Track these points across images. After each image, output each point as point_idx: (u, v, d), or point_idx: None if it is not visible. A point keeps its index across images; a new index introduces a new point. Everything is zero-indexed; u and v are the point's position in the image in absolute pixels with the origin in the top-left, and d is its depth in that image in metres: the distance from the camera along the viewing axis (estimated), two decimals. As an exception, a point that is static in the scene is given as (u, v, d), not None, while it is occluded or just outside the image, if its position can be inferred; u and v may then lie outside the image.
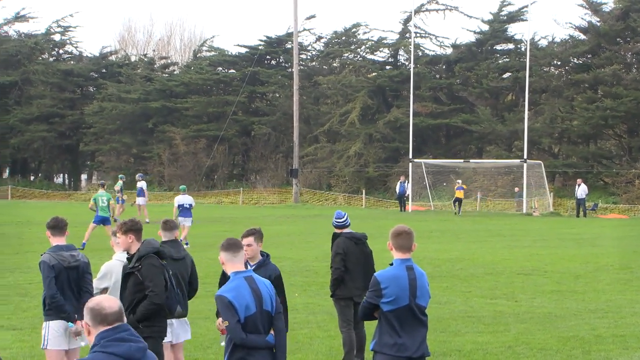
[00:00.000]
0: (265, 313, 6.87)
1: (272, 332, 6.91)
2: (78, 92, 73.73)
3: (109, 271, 9.36)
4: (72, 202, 57.16)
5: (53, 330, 8.92)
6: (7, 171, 75.12)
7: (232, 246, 6.98)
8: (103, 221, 25.58)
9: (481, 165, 53.87)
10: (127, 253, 8.68)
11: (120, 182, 38.21)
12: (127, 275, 8.48)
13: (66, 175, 76.63)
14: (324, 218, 37.88)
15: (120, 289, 8.63)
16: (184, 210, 27.02)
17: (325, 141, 61.59)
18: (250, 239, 8.50)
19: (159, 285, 8.32)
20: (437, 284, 17.64)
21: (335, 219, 11.32)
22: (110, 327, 4.64)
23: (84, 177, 78.42)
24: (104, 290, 9.20)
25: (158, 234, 9.72)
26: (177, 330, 9.47)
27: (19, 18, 75.25)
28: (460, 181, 46.34)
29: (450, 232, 32.12)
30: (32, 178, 74.11)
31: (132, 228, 8.62)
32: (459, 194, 45.12)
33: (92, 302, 4.73)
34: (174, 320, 9.39)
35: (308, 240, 27.88)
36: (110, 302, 4.72)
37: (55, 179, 76.26)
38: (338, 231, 11.23)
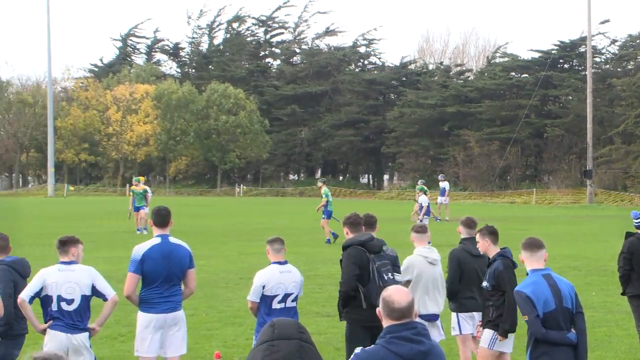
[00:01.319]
0: (566, 310, 6.67)
1: (573, 330, 6.66)
2: (380, 99, 75.96)
3: (410, 265, 9.34)
4: (375, 201, 58.83)
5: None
6: (319, 171, 79.07)
7: (531, 245, 6.94)
8: (331, 215, 26.08)
9: None
10: None
11: (421, 186, 36.72)
12: (341, 262, 8.67)
13: (370, 175, 79.23)
14: (620, 219, 35.81)
15: None
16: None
17: (620, 142, 58.51)
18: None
19: (347, 273, 8.30)
20: None
21: (633, 219, 10.67)
22: (398, 322, 4.37)
23: (386, 177, 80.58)
24: (407, 283, 9.21)
25: (457, 231, 9.68)
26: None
27: (328, 32, 78.96)
28: None
29: None
30: (340, 178, 77.40)
31: (346, 222, 8.83)
32: None
33: (385, 292, 4.50)
34: (474, 314, 9.30)
35: (605, 240, 26.46)
36: (401, 296, 4.42)
37: (360, 179, 79.07)
38: (635, 232, 10.57)
